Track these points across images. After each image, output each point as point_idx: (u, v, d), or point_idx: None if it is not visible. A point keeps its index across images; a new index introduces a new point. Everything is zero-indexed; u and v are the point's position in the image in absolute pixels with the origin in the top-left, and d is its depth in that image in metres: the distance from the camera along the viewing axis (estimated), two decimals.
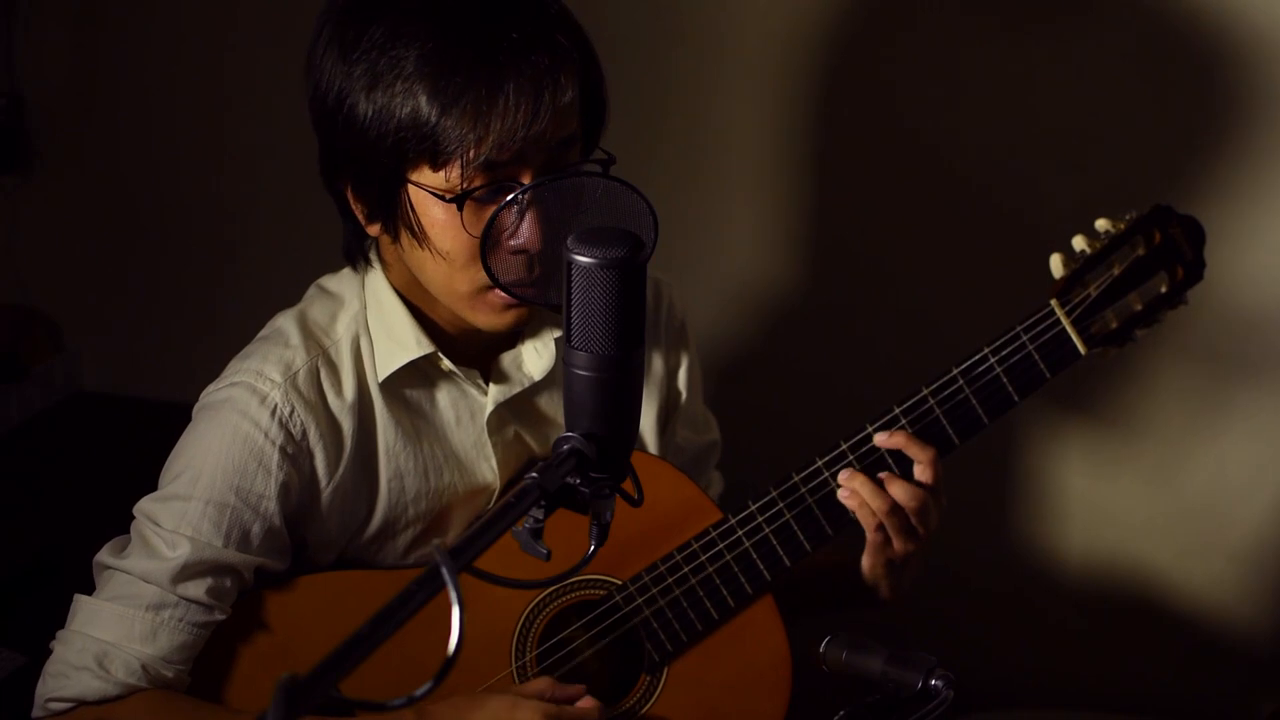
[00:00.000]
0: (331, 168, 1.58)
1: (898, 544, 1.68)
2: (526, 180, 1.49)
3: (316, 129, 1.58)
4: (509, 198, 1.47)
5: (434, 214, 1.51)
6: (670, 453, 1.83)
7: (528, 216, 1.45)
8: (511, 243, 1.45)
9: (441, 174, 1.49)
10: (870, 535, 1.68)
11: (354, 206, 1.58)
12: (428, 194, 1.50)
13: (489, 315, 1.57)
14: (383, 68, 1.48)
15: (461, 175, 1.48)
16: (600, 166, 1.55)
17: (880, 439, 1.66)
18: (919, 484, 1.66)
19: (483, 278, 1.50)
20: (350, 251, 1.67)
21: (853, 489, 1.65)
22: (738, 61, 2.41)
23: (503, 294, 1.51)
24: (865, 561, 1.71)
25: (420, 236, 1.53)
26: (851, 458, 1.67)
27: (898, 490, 1.65)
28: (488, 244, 1.41)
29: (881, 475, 1.66)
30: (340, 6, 1.54)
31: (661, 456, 1.80)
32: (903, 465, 1.67)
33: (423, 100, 1.47)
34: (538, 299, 1.45)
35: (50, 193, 2.95)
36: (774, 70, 2.39)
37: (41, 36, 2.87)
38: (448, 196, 1.49)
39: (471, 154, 1.46)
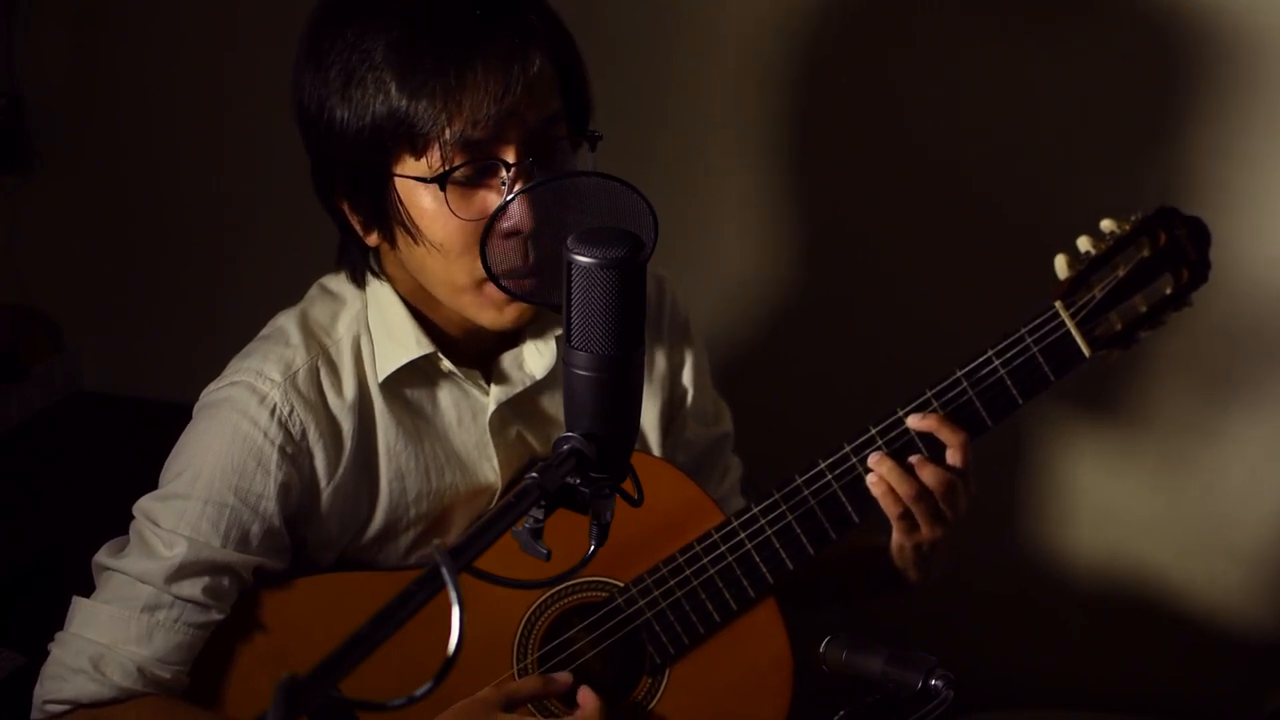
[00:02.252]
0: (324, 182, 1.59)
1: (925, 530, 1.67)
2: (510, 158, 1.50)
3: (307, 147, 1.59)
4: (509, 196, 1.47)
5: (423, 204, 1.52)
6: (681, 448, 1.83)
7: (518, 197, 1.44)
8: (504, 225, 1.44)
9: (423, 160, 1.50)
10: (894, 523, 1.67)
11: (350, 219, 1.58)
12: (413, 183, 1.51)
13: (492, 311, 1.57)
14: (354, 64, 1.49)
15: (441, 156, 1.48)
16: (589, 145, 1.56)
17: (913, 421, 1.64)
18: (949, 468, 1.65)
19: (480, 268, 1.49)
20: (354, 268, 1.66)
21: (880, 474, 1.64)
22: (738, 62, 2.40)
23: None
24: (894, 545, 1.70)
25: (414, 232, 1.53)
26: (848, 449, 1.67)
27: (927, 474, 1.64)
28: (487, 234, 1.37)
29: (912, 459, 1.65)
30: (313, 21, 1.56)
31: (668, 454, 1.79)
32: (932, 450, 1.66)
33: (393, 87, 1.48)
34: (534, 293, 1.40)
35: (50, 193, 2.95)
36: (774, 71, 2.39)
37: (41, 36, 2.87)
38: (430, 178, 1.49)
39: (446, 133, 1.47)
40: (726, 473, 1.89)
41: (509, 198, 1.47)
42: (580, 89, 1.59)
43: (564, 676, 1.65)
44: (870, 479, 1.64)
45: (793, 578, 1.69)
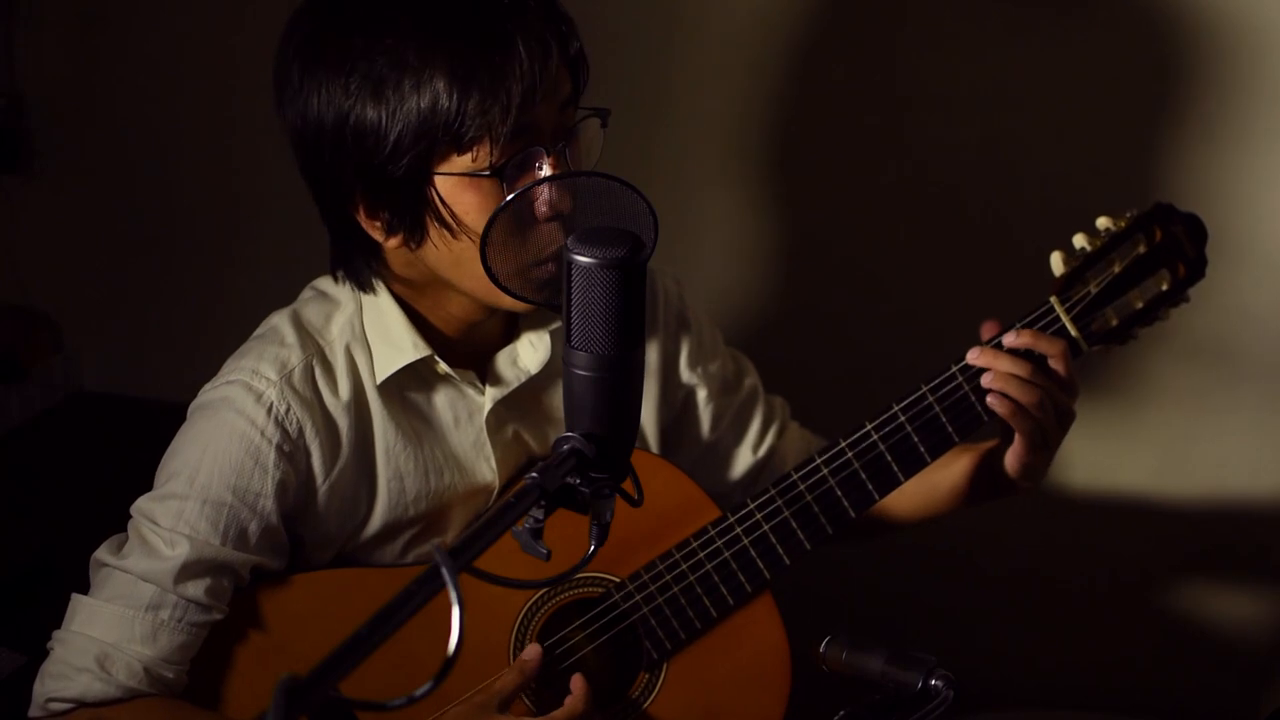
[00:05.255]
0: (336, 192, 1.56)
1: (1054, 433, 1.66)
2: (546, 144, 1.50)
3: (310, 163, 1.56)
4: (510, 196, 1.46)
5: (467, 200, 1.51)
6: (710, 424, 1.84)
7: (555, 185, 1.43)
8: (545, 209, 1.43)
9: (468, 156, 1.49)
10: (1021, 438, 1.65)
11: (366, 225, 1.56)
12: (455, 178, 1.50)
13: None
14: (383, 70, 1.47)
15: (491, 149, 1.48)
16: (601, 120, 1.57)
17: (1009, 339, 1.63)
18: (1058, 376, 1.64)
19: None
20: (358, 276, 1.64)
21: (1000, 370, 1.61)
22: (738, 60, 2.40)
23: (539, 268, 1.42)
24: (1019, 465, 1.68)
25: (455, 227, 1.52)
26: (844, 445, 1.67)
27: (1040, 379, 1.63)
28: (488, 233, 1.34)
29: (1014, 372, 1.63)
30: (303, 34, 1.54)
31: (663, 448, 1.80)
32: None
33: (440, 86, 1.46)
34: (551, 288, 1.38)
35: (50, 193, 2.95)
36: (772, 70, 2.39)
37: (41, 36, 2.88)
38: (487, 172, 1.49)
39: (500, 126, 1.47)
40: (771, 419, 1.88)
41: (512, 194, 1.44)
42: (585, 66, 1.58)
43: (530, 651, 1.64)
44: (987, 379, 1.62)
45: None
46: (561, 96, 1.52)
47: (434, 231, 1.54)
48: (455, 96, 1.46)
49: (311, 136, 1.54)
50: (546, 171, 1.51)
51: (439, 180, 1.51)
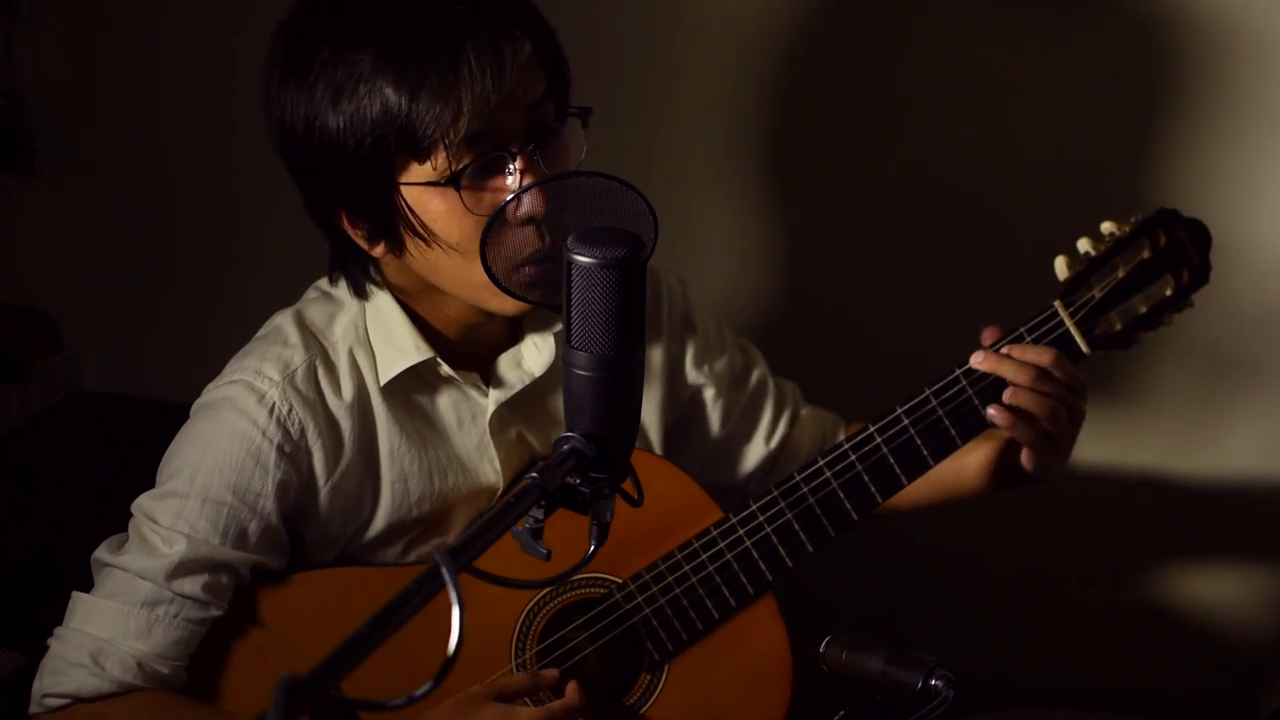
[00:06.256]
0: (319, 201, 1.57)
1: (1062, 433, 1.65)
2: (514, 147, 1.50)
3: (295, 169, 1.57)
4: (510, 197, 1.46)
5: (434, 208, 1.51)
6: (720, 420, 1.84)
7: (527, 188, 1.44)
8: (519, 213, 1.44)
9: (428, 164, 1.49)
10: (1028, 448, 1.65)
11: (351, 234, 1.57)
12: (422, 189, 1.50)
13: (512, 300, 1.55)
14: (342, 78, 1.48)
15: (447, 157, 1.48)
16: (581, 120, 1.56)
17: (1007, 349, 1.63)
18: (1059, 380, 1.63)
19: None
20: (355, 282, 1.65)
21: (1014, 381, 1.60)
22: (736, 63, 2.40)
23: (518, 273, 1.45)
24: (1034, 466, 1.68)
25: (427, 237, 1.52)
26: (846, 447, 1.67)
27: (1048, 386, 1.62)
28: (486, 234, 1.34)
29: (1023, 383, 1.62)
30: (281, 43, 1.55)
31: (667, 448, 1.79)
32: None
33: (389, 92, 1.47)
34: (546, 283, 1.39)
35: (50, 193, 2.95)
36: (770, 72, 2.38)
37: (41, 36, 2.87)
38: (443, 180, 1.49)
39: (451, 132, 1.47)
40: (782, 407, 1.88)
41: (510, 198, 1.46)
42: (561, 64, 1.58)
43: (550, 672, 1.65)
44: (1007, 393, 1.62)
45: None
46: (529, 98, 1.51)
47: (409, 240, 1.54)
48: (404, 103, 1.46)
49: (289, 148, 1.55)
50: (516, 173, 1.51)
51: (405, 190, 1.51)
